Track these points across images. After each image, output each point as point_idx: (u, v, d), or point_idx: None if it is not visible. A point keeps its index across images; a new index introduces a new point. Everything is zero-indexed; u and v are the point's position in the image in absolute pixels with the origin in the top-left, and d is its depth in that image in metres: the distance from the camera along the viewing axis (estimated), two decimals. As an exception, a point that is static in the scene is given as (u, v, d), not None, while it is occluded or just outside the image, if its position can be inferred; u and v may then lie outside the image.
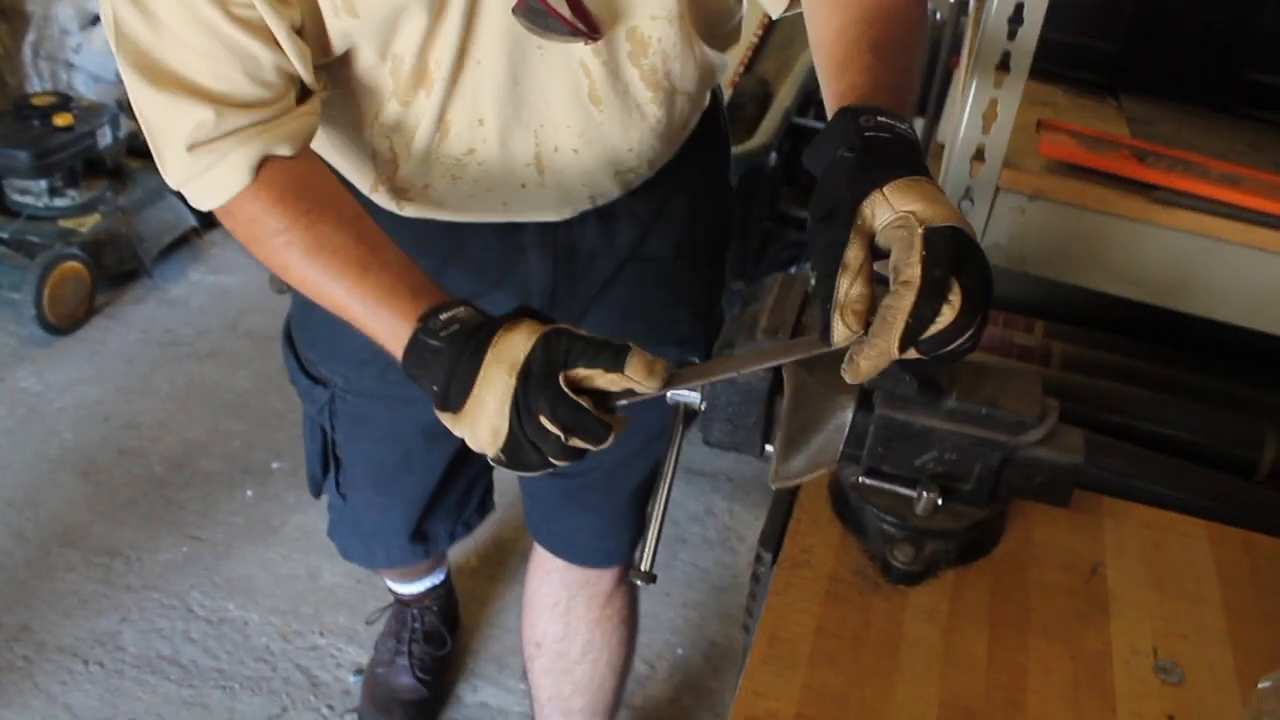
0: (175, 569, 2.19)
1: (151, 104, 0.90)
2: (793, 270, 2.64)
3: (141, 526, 2.28)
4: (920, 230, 0.70)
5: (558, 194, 1.12)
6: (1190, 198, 1.16)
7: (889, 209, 0.72)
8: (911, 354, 0.72)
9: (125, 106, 2.96)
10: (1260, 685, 0.77)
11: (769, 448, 0.93)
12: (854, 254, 0.72)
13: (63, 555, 2.19)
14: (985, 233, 1.22)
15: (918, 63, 0.94)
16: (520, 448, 0.82)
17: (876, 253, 0.73)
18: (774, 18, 1.03)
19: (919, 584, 0.93)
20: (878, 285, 0.72)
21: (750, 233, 2.78)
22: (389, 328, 0.89)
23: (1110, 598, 0.95)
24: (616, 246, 1.22)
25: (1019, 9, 1.11)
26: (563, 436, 0.80)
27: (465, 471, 1.48)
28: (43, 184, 2.83)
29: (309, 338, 1.34)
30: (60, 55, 3.20)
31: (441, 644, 1.97)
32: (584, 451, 0.82)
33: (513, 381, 0.80)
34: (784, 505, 1.01)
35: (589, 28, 0.97)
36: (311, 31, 0.94)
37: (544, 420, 0.79)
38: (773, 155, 2.68)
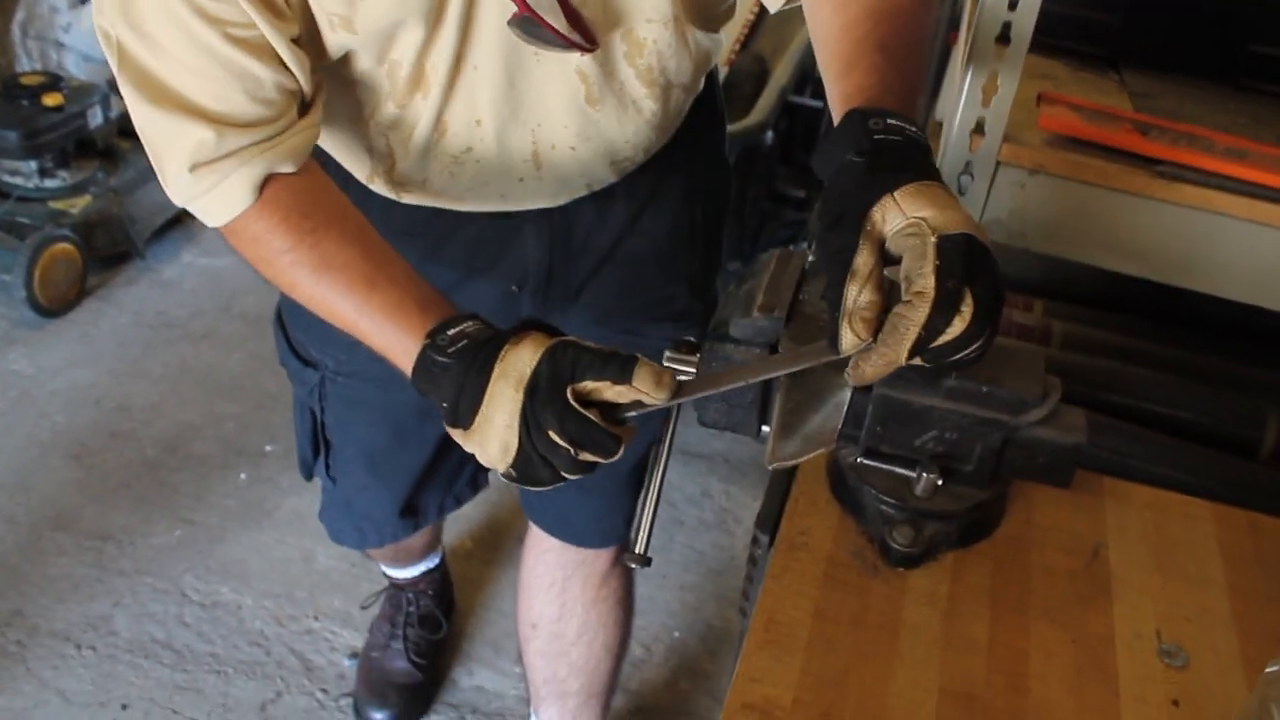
0: (168, 553, 2.18)
1: (152, 123, 0.89)
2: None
3: (134, 510, 2.26)
4: (933, 239, 0.70)
5: (555, 185, 1.12)
6: (1194, 172, 1.14)
7: (900, 215, 0.72)
8: (917, 362, 0.72)
9: (116, 86, 2.92)
10: (1268, 669, 0.75)
11: (765, 428, 0.91)
12: (863, 261, 0.71)
13: (54, 539, 2.18)
14: (985, 208, 1.20)
15: (925, 62, 0.92)
16: (530, 463, 0.82)
17: (886, 259, 0.73)
18: (771, 12, 1.01)
19: (918, 567, 0.91)
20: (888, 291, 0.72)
21: (747, 212, 2.75)
22: (398, 344, 0.88)
23: (1113, 580, 0.93)
24: (612, 224, 1.21)
25: (1020, -21, 1.09)
26: (572, 451, 0.79)
27: (459, 446, 1.46)
28: (33, 165, 2.80)
29: (299, 320, 1.33)
30: (50, 34, 3.16)
31: (437, 628, 1.96)
32: (595, 465, 0.82)
33: (520, 397, 0.80)
34: (781, 487, 0.99)
35: (586, 39, 0.95)
36: (308, 42, 0.93)
37: (553, 435, 0.79)
38: (769, 134, 2.66)
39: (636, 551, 0.87)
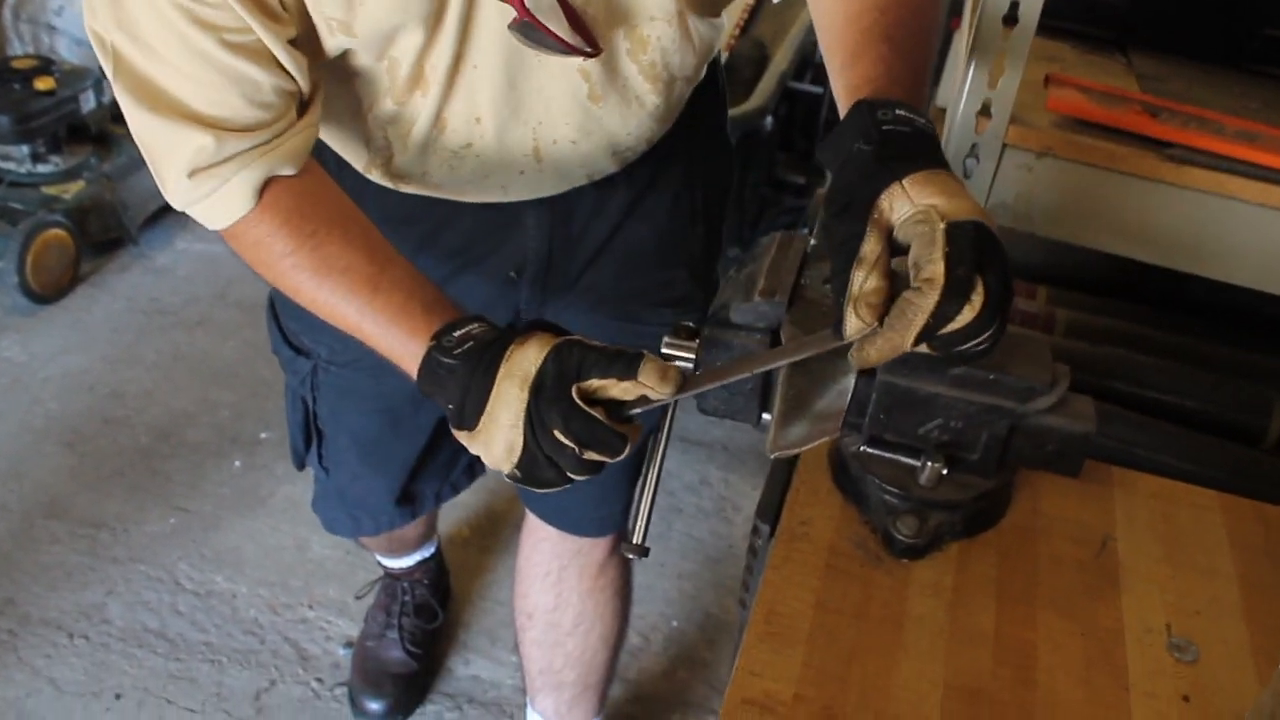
0: (162, 541, 2.16)
1: (150, 129, 0.87)
2: (790, 236, 2.59)
3: (128, 498, 2.24)
4: (942, 225, 0.69)
5: (555, 177, 1.11)
6: (1205, 155, 1.12)
7: (908, 202, 0.71)
8: (923, 349, 0.71)
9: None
10: (1282, 663, 0.74)
11: (766, 415, 0.89)
12: (870, 247, 0.71)
13: (47, 527, 2.16)
14: (991, 191, 1.18)
15: (932, 52, 0.91)
16: (536, 463, 0.81)
17: (894, 248, 0.72)
18: (775, 1, 1.00)
19: (923, 557, 0.89)
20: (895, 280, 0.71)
21: (746, 199, 2.73)
22: (402, 347, 0.88)
23: (1121, 571, 0.91)
24: (612, 211, 1.19)
25: (1027, -42, 1.06)
26: (577, 450, 0.79)
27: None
28: (24, 149, 2.77)
29: (292, 309, 1.31)
30: (41, 18, 3.13)
31: (432, 617, 1.94)
32: (601, 464, 0.81)
33: (525, 396, 0.79)
34: (782, 475, 0.97)
35: (588, 42, 0.93)
36: (305, 43, 0.91)
37: (558, 434, 0.78)
38: (769, 120, 2.63)
39: (634, 541, 0.85)
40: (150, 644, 1.95)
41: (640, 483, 0.87)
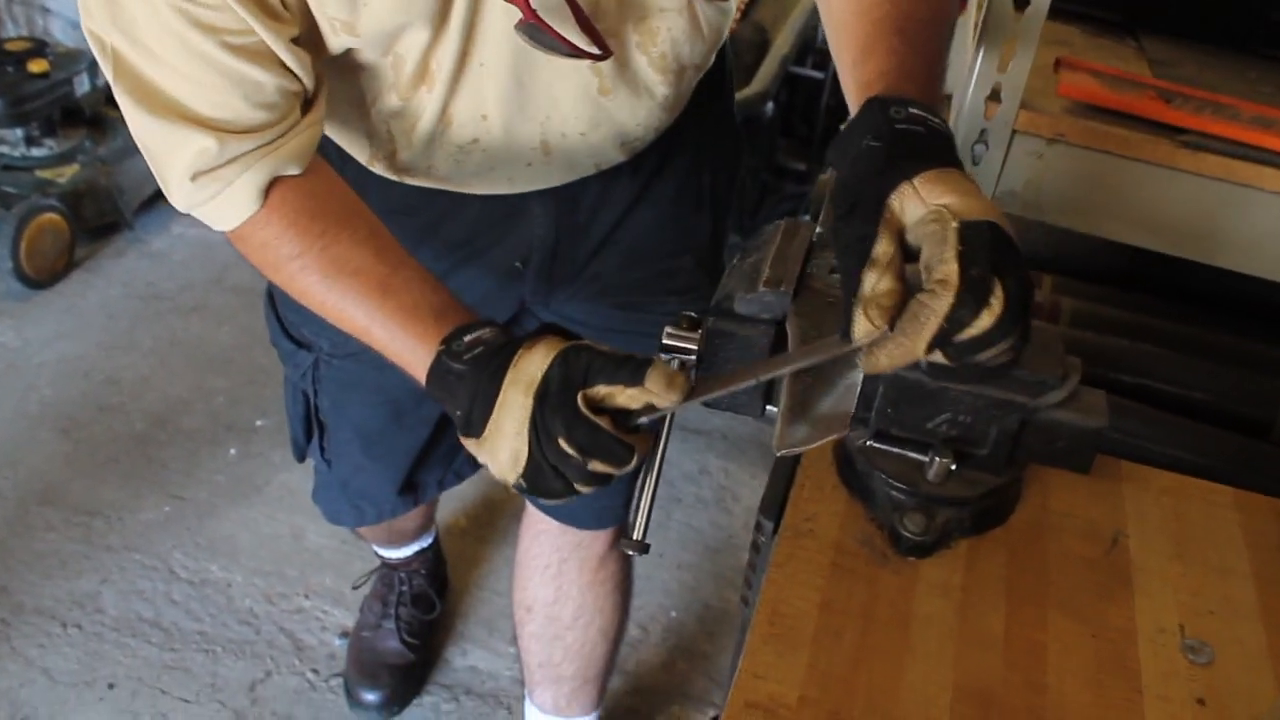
0: (157, 529, 2.14)
1: (151, 131, 0.85)
2: (792, 223, 2.57)
3: (122, 485, 2.22)
4: (955, 224, 0.66)
5: (564, 169, 1.09)
6: (1220, 141, 1.09)
7: (920, 203, 0.68)
8: (938, 357, 0.68)
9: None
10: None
11: (770, 408, 0.86)
12: (883, 248, 0.67)
13: (41, 514, 2.13)
14: (1000, 179, 1.16)
15: (946, 46, 0.87)
16: (541, 473, 0.78)
17: (907, 252, 0.69)
18: None
19: (930, 555, 0.87)
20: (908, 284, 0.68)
21: (747, 185, 2.70)
22: (412, 351, 0.86)
23: (1133, 569, 0.89)
24: (619, 199, 1.17)
25: (1037, -60, 1.04)
26: (582, 460, 0.76)
27: None
28: (18, 133, 2.73)
29: (291, 300, 1.28)
30: (35, 0, 3.09)
31: (430, 608, 1.93)
32: (609, 476, 0.78)
33: (529, 402, 0.77)
34: (785, 471, 0.94)
35: (598, 44, 0.90)
36: (308, 41, 0.88)
37: (562, 443, 0.76)
38: (770, 105, 2.61)
39: (634, 537, 0.83)
40: (144, 633, 1.93)
41: (641, 476, 0.84)
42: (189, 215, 0.90)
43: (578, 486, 0.79)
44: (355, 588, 1.99)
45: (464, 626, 2.01)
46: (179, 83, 0.82)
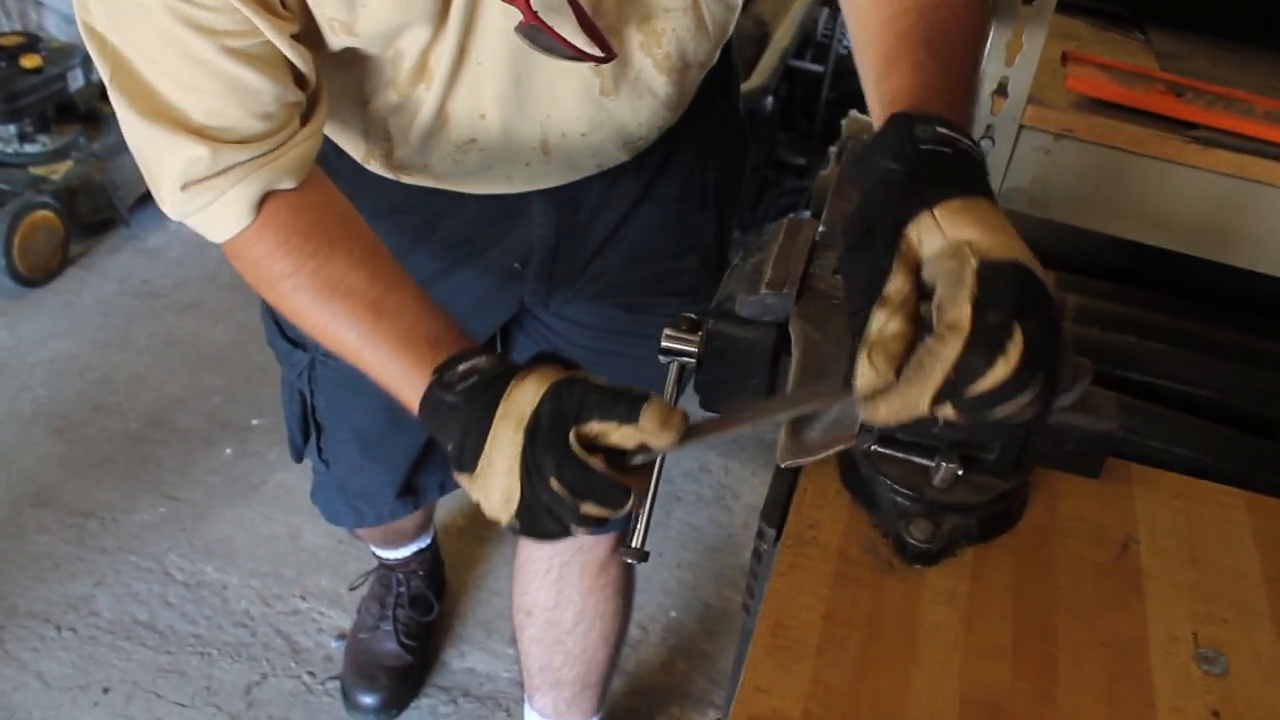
0: (152, 530, 2.12)
1: (143, 136, 0.82)
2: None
3: (117, 486, 2.20)
4: (974, 263, 0.59)
5: (564, 169, 1.06)
6: (1233, 137, 1.07)
7: (939, 235, 0.61)
8: (948, 411, 0.60)
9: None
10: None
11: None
12: (896, 286, 0.61)
13: (35, 516, 2.11)
14: (1006, 175, 1.13)
15: (978, 60, 0.81)
16: (535, 514, 0.73)
17: (922, 290, 0.62)
18: None
19: (936, 563, 0.85)
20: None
21: (746, 181, 2.68)
22: (404, 378, 0.82)
23: (1144, 576, 0.87)
24: (621, 198, 1.15)
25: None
26: (573, 502, 0.71)
27: None
28: (11, 129, 2.72)
29: None
30: (29, -6, 3.07)
31: (427, 609, 1.90)
32: (605, 520, 0.73)
33: (520, 439, 0.72)
34: (788, 476, 0.92)
35: (600, 46, 0.87)
36: (307, 39, 0.86)
37: (553, 483, 0.71)
38: (770, 99, 2.58)
39: (633, 544, 0.81)
40: (139, 636, 1.91)
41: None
42: (184, 214, 0.87)
43: (573, 528, 0.74)
44: (352, 589, 1.97)
45: (462, 628, 1.99)
46: (173, 88, 0.80)
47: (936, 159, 0.64)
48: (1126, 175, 1.10)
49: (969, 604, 0.82)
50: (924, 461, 0.84)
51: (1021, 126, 1.11)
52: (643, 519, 0.81)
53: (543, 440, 0.71)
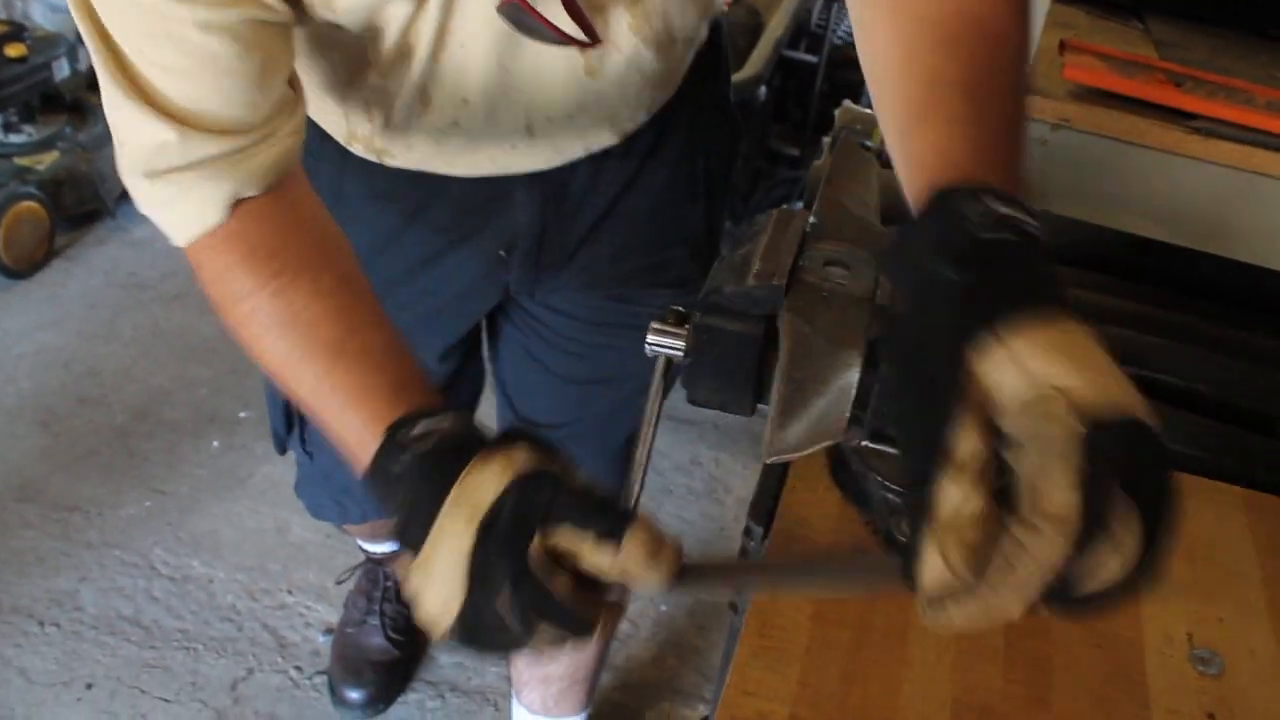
0: (137, 524, 2.09)
1: (120, 111, 0.75)
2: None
3: (102, 480, 2.17)
4: (1080, 430, 0.46)
5: (550, 151, 1.04)
6: (1233, 127, 1.05)
7: (1017, 373, 0.48)
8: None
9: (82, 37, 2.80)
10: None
11: (762, 406, 0.82)
12: (970, 448, 0.47)
13: (19, 510, 2.09)
14: (1002, 167, 1.11)
15: (1025, 106, 0.67)
16: (476, 629, 0.59)
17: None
18: None
19: (928, 562, 0.83)
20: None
21: (739, 171, 2.66)
22: (356, 433, 0.69)
23: (1139, 575, 0.85)
24: (609, 183, 1.12)
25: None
26: (522, 625, 0.58)
27: None
28: (-5, 119, 2.69)
29: None
30: (14, -18, 3.04)
31: (415, 603, 1.88)
32: (562, 643, 0.60)
33: (471, 535, 0.58)
34: (776, 471, 0.90)
35: (585, 31, 0.84)
36: (286, 19, 0.81)
37: (504, 600, 0.58)
38: (763, 89, 2.56)
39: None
40: (124, 632, 1.89)
41: (628, 476, 0.80)
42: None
43: (521, 650, 0.60)
44: (339, 583, 1.95)
45: (450, 623, 1.97)
46: (149, 67, 0.75)
47: (999, 254, 0.52)
48: (1125, 166, 1.08)
49: (961, 604, 0.80)
50: (916, 458, 0.82)
51: (1017, 116, 1.09)
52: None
53: (498, 543, 0.57)
